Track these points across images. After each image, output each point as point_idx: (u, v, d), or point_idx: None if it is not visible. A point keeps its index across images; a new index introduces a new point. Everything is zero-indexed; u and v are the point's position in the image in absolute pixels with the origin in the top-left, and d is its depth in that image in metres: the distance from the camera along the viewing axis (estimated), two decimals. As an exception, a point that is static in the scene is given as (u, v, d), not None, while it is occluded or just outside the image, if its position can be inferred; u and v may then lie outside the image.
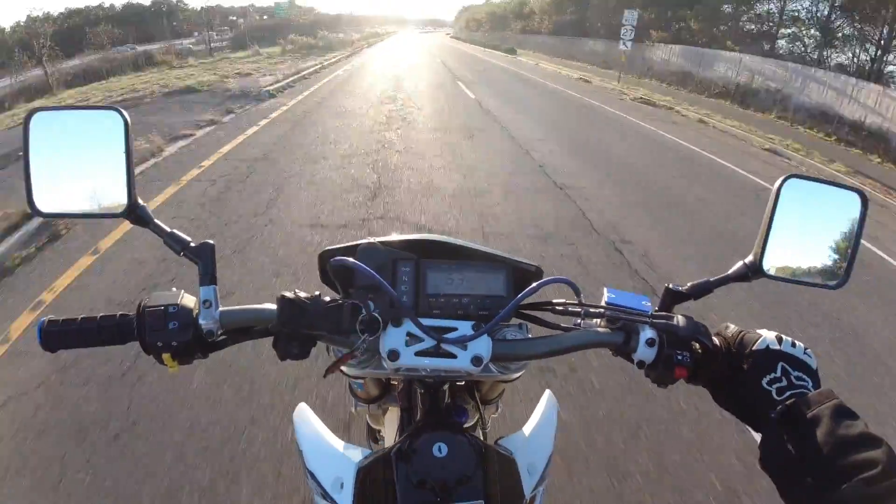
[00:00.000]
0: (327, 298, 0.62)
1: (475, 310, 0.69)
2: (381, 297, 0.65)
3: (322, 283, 0.78)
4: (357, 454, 0.76)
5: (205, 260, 0.65)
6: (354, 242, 0.72)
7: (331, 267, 0.67)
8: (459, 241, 0.75)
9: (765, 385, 0.59)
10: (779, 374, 0.60)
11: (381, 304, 0.65)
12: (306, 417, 0.85)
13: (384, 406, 0.99)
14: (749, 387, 0.61)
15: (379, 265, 0.68)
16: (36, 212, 0.68)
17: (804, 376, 0.60)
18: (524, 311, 0.74)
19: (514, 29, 45.54)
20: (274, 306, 0.64)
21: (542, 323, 0.73)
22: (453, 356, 0.65)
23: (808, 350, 0.63)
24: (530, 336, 0.72)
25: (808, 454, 0.52)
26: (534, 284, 0.67)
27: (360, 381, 0.89)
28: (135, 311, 0.63)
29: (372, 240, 0.71)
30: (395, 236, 0.74)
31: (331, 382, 2.39)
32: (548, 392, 0.92)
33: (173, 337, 0.61)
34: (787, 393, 0.58)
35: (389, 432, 0.99)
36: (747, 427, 0.62)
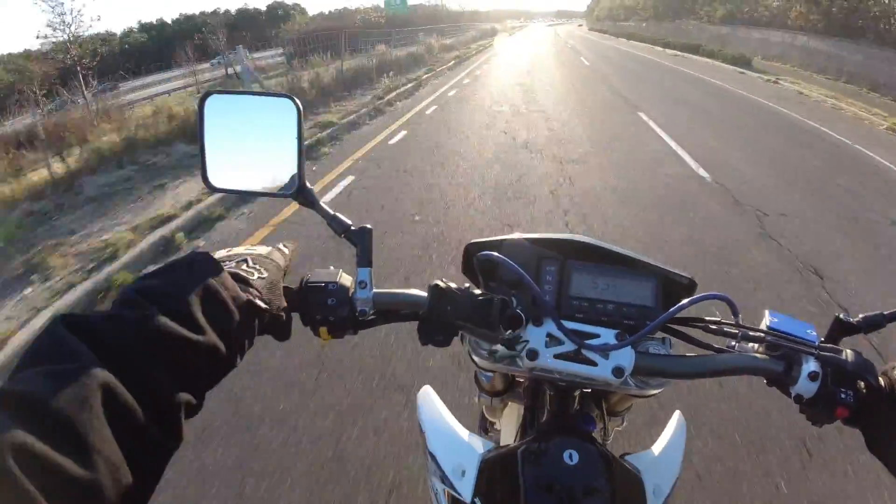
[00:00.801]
0: (477, 291, 0.63)
1: (619, 318, 0.67)
2: (525, 294, 0.65)
3: (462, 273, 0.79)
4: (480, 445, 0.76)
5: (363, 243, 0.68)
6: (501, 237, 0.72)
7: (477, 260, 0.67)
8: (608, 245, 0.72)
9: None
10: None
11: (523, 301, 0.64)
12: (430, 400, 0.87)
13: (505, 400, 0.99)
14: None
15: (524, 262, 0.68)
16: (210, 187, 0.74)
17: None
18: (672, 326, 0.70)
19: (704, 16, 28.56)
20: (423, 293, 0.66)
21: (692, 340, 0.70)
22: (594, 364, 0.63)
23: None
24: (671, 351, 0.69)
25: None
26: (688, 299, 0.64)
27: (490, 373, 0.90)
28: (297, 285, 0.67)
29: (519, 235, 0.71)
30: (541, 234, 0.73)
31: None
32: (677, 413, 0.88)
33: (331, 312, 0.65)
34: None
35: (507, 427, 0.99)
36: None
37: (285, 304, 0.63)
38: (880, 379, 0.60)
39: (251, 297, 0.55)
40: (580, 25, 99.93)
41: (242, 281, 0.58)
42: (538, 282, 0.68)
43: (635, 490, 0.68)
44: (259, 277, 0.61)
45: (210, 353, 0.48)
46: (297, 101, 0.71)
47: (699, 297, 0.64)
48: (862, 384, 0.59)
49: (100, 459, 0.35)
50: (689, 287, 0.70)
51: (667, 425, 0.86)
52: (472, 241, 0.74)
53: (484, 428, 1.17)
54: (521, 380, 0.94)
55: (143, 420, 0.40)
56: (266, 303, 0.58)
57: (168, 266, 0.52)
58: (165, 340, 0.44)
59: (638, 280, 0.69)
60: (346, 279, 0.68)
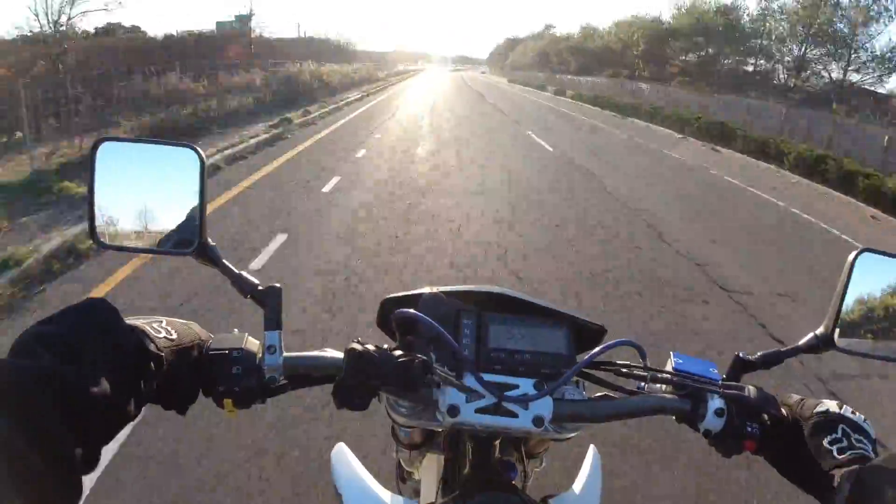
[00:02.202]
0: (397, 353, 0.61)
1: (536, 367, 0.68)
2: (443, 349, 0.64)
3: (378, 327, 0.77)
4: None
5: (271, 304, 0.64)
6: (416, 291, 0.71)
7: (394, 318, 0.66)
8: (523, 296, 0.74)
9: (826, 444, 0.59)
10: (839, 435, 0.59)
11: (442, 356, 0.63)
12: (345, 459, 0.83)
13: (423, 452, 0.97)
14: (810, 449, 0.60)
15: (441, 316, 0.67)
16: (98, 243, 0.68)
17: (864, 440, 0.59)
18: (586, 371, 0.72)
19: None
20: (337, 354, 0.63)
21: (604, 384, 0.72)
22: (514, 415, 0.63)
23: (867, 421, 0.62)
24: (585, 394, 0.71)
25: None
26: (600, 347, 0.66)
27: (408, 429, 0.88)
28: (196, 352, 0.61)
29: (435, 289, 0.70)
30: (457, 287, 0.73)
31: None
32: (592, 448, 0.90)
33: (236, 382, 0.60)
34: (849, 452, 0.57)
35: (427, 479, 0.97)
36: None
37: (186, 371, 0.58)
38: (782, 409, 0.65)
39: (148, 351, 0.52)
40: (483, 73, 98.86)
41: (145, 335, 0.54)
42: (458, 335, 0.68)
43: None
44: (166, 337, 0.57)
45: (105, 404, 0.46)
46: (200, 151, 0.67)
47: (610, 345, 0.67)
48: (765, 416, 0.64)
49: None
50: (599, 333, 0.73)
51: (583, 462, 0.88)
52: (388, 296, 0.73)
53: (401, 478, 1.13)
54: (440, 430, 0.93)
55: (42, 474, 0.39)
56: (161, 362, 0.54)
57: (64, 312, 0.50)
58: (60, 392, 0.43)
59: (552, 329, 0.70)
60: (253, 343, 0.63)
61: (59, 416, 0.42)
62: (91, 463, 0.45)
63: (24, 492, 0.37)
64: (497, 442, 0.81)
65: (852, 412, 0.61)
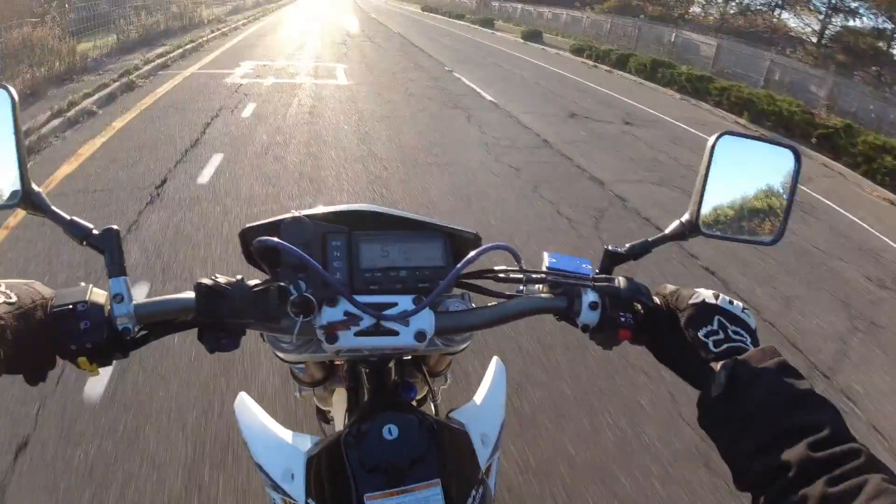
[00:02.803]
0: (251, 282, 0.58)
1: (414, 283, 0.67)
2: (313, 275, 0.61)
3: (247, 263, 0.73)
4: (306, 442, 0.73)
5: (110, 248, 0.59)
6: (277, 217, 0.67)
7: (254, 248, 0.62)
8: (392, 210, 0.71)
9: (702, 337, 0.60)
10: (715, 326, 0.60)
11: (313, 282, 0.61)
12: (248, 407, 0.81)
13: (331, 387, 0.96)
14: (687, 339, 0.61)
15: (307, 241, 0.64)
16: None
17: (742, 332, 0.60)
18: (465, 281, 0.72)
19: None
20: (191, 295, 0.59)
21: (484, 291, 0.72)
22: (395, 333, 0.63)
23: (747, 309, 0.63)
24: (473, 306, 0.71)
25: (750, 412, 0.51)
26: (473, 252, 0.65)
27: (301, 365, 0.86)
28: (41, 313, 0.56)
29: (296, 213, 0.66)
30: (321, 208, 0.69)
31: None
32: (495, 359, 0.92)
33: (87, 338, 0.56)
34: (725, 346, 0.58)
35: (338, 414, 0.97)
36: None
37: (35, 335, 0.54)
38: (656, 299, 0.67)
39: None
40: None
41: None
42: (326, 259, 0.65)
43: (462, 445, 0.70)
44: (5, 302, 0.52)
45: None
46: (12, 89, 0.59)
47: (483, 250, 0.66)
48: (639, 306, 0.65)
49: None
50: (474, 241, 0.72)
51: (486, 373, 0.89)
52: (246, 225, 0.69)
53: (324, 419, 1.13)
54: (339, 363, 0.92)
55: None
56: (3, 330, 0.50)
57: None
58: None
59: (426, 242, 0.69)
60: (100, 295, 0.59)
61: None
62: None
63: None
64: (392, 365, 0.81)
65: (730, 302, 0.63)
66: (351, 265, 0.66)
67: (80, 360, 0.56)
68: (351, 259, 0.67)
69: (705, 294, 0.63)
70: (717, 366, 0.56)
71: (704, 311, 0.62)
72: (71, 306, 0.56)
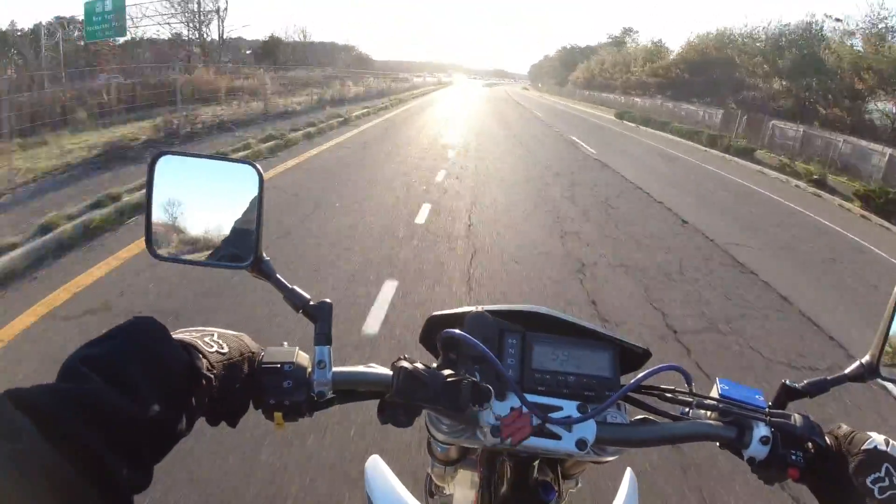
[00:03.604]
0: (445, 373, 0.62)
1: (580, 389, 0.68)
2: (488, 368, 0.65)
3: (420, 343, 0.78)
4: None
5: (322, 319, 0.66)
6: (462, 310, 0.72)
7: (440, 338, 0.67)
8: (567, 316, 0.74)
9: (868, 483, 0.59)
10: (883, 474, 0.59)
11: (487, 376, 0.64)
12: (380, 470, 0.84)
13: (458, 468, 0.97)
14: (854, 485, 0.60)
15: (486, 336, 0.68)
16: (154, 254, 0.69)
17: None
18: (630, 395, 0.72)
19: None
20: (385, 371, 0.64)
21: (648, 408, 0.72)
22: (558, 437, 0.64)
23: None
24: (628, 418, 0.71)
25: None
26: (646, 371, 0.66)
27: (446, 445, 0.88)
28: (248, 366, 0.63)
29: (480, 308, 0.71)
30: (502, 306, 0.74)
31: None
32: (629, 471, 0.90)
33: (286, 395, 0.61)
34: (889, 493, 0.58)
35: (459, 496, 0.98)
36: None
37: (238, 385, 0.59)
38: (826, 438, 0.65)
39: (198, 367, 0.53)
40: (526, 88, 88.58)
41: (196, 351, 0.55)
42: (501, 355, 0.69)
43: None
44: (218, 352, 0.58)
45: (154, 424, 0.46)
46: (260, 168, 0.69)
47: (656, 370, 0.67)
48: (810, 445, 0.64)
49: None
50: (644, 356, 0.73)
51: (620, 485, 0.87)
52: (433, 314, 0.74)
53: (430, 492, 1.14)
54: (475, 447, 0.93)
55: (92, 500, 0.39)
56: (214, 378, 0.55)
57: (110, 333, 0.50)
58: (108, 414, 0.43)
59: (596, 351, 0.71)
60: (304, 358, 0.65)
61: (107, 439, 0.42)
62: (143, 483, 0.45)
63: None
64: (536, 462, 0.81)
65: None
66: (522, 364, 0.69)
67: (276, 414, 0.61)
68: (523, 358, 0.69)
69: (878, 440, 0.62)
70: None
71: (875, 458, 0.60)
72: (279, 365, 0.62)
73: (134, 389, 0.45)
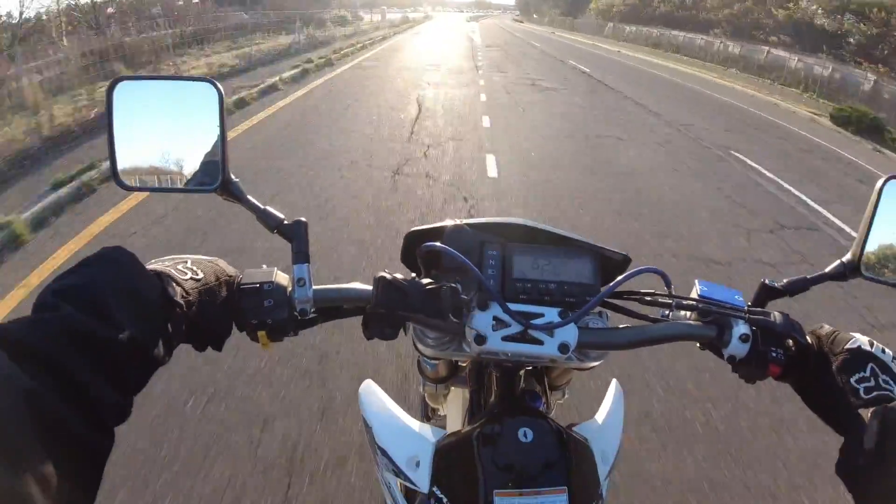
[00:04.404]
0: (425, 281, 0.62)
1: (561, 296, 0.68)
2: (469, 280, 0.64)
3: (401, 262, 0.78)
4: (431, 434, 0.76)
5: (298, 237, 0.65)
6: (440, 224, 0.71)
7: (420, 251, 0.66)
8: (546, 226, 0.73)
9: (853, 383, 0.59)
10: (868, 374, 0.59)
11: (468, 287, 0.64)
12: (373, 393, 0.85)
13: (448, 386, 0.99)
14: (837, 384, 0.60)
15: (466, 248, 0.67)
16: (121, 185, 0.67)
17: (891, 381, 0.59)
18: (610, 301, 0.73)
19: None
20: (366, 286, 0.64)
21: (628, 312, 0.72)
22: (540, 342, 0.64)
23: None
24: (608, 323, 0.71)
25: (893, 460, 0.50)
26: (625, 274, 0.66)
27: (434, 361, 0.89)
28: (225, 289, 0.62)
29: (459, 222, 0.70)
30: (480, 219, 0.73)
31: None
32: (614, 381, 0.92)
33: (268, 314, 0.61)
34: (875, 393, 0.57)
35: (453, 412, 1.00)
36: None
37: (218, 308, 0.59)
38: (808, 337, 0.65)
39: (171, 295, 0.53)
40: (519, 20, 74.37)
41: (170, 279, 0.55)
42: (482, 266, 0.68)
43: (587, 458, 0.71)
44: (192, 278, 0.57)
45: (132, 351, 0.46)
46: (218, 84, 0.66)
47: (634, 272, 0.67)
48: (790, 343, 0.65)
49: (31, 473, 0.34)
50: (623, 262, 0.73)
51: (606, 394, 0.90)
52: (412, 229, 0.73)
53: (426, 415, 1.17)
54: (464, 364, 0.95)
55: (74, 426, 0.39)
56: (190, 304, 0.55)
57: (82, 263, 0.50)
58: (86, 340, 0.43)
59: (576, 259, 0.70)
60: (283, 277, 0.64)
61: (88, 367, 0.42)
62: (124, 411, 0.46)
63: (58, 445, 0.37)
64: (521, 373, 0.82)
65: (883, 350, 0.61)
66: (503, 274, 0.69)
67: (260, 333, 0.62)
68: (504, 269, 0.69)
69: (861, 340, 0.62)
70: (867, 413, 0.55)
71: (859, 357, 0.60)
72: (258, 285, 0.62)
73: (107, 315, 0.45)
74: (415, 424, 0.78)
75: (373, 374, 2.04)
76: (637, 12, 34.75)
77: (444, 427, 1.01)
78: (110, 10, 13.81)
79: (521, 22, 69.91)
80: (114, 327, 0.45)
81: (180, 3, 16.65)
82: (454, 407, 1.00)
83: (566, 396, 0.97)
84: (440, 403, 1.07)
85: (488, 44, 25.46)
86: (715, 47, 23.81)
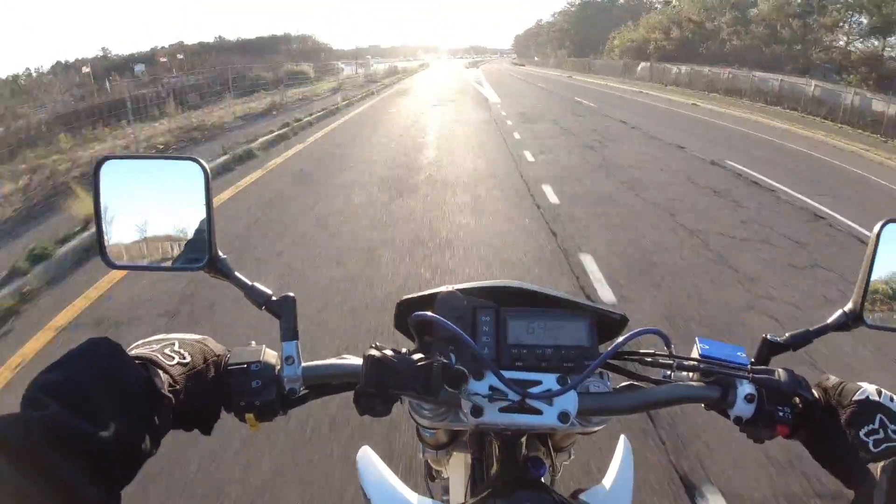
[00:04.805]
0: (415, 357, 0.60)
1: (559, 361, 0.66)
2: (463, 348, 0.63)
3: (395, 329, 0.76)
4: None
5: (287, 314, 0.64)
6: (432, 291, 0.70)
7: (411, 321, 0.65)
8: (540, 288, 0.72)
9: (862, 436, 0.57)
10: (877, 425, 0.57)
11: (462, 356, 0.62)
12: (371, 461, 0.83)
13: (450, 451, 0.96)
14: (846, 438, 0.58)
15: (458, 315, 0.66)
16: (108, 263, 0.67)
17: None
18: (610, 362, 0.71)
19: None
20: (356, 361, 0.63)
21: (630, 375, 0.70)
22: (539, 412, 0.62)
23: None
24: (611, 386, 0.69)
25: None
26: (624, 336, 0.64)
27: (433, 430, 0.87)
28: (213, 370, 0.61)
29: (450, 288, 0.69)
30: (473, 283, 0.72)
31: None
32: (623, 439, 0.89)
33: (256, 396, 0.60)
34: (884, 445, 0.55)
35: (455, 478, 0.97)
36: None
37: (206, 392, 0.58)
38: (814, 391, 0.63)
39: (158, 386, 0.52)
40: (520, 63, 71.48)
41: (157, 367, 0.54)
42: (475, 333, 0.67)
43: None
44: (179, 363, 0.56)
45: (118, 447, 0.45)
46: (203, 162, 0.66)
47: (633, 334, 0.65)
48: (797, 400, 0.62)
49: None
50: (621, 323, 0.71)
51: (614, 454, 0.86)
52: (404, 297, 0.72)
53: (430, 476, 1.13)
54: (466, 429, 0.92)
55: None
56: (178, 392, 0.54)
57: (67, 357, 0.49)
58: (71, 439, 0.42)
59: (572, 321, 0.69)
60: (271, 356, 0.63)
61: (73, 465, 0.41)
62: None
63: None
64: (523, 439, 0.80)
65: (892, 398, 0.59)
66: (498, 340, 0.67)
67: (248, 416, 0.60)
68: (498, 335, 0.67)
69: (869, 390, 0.60)
70: (877, 468, 0.53)
71: (867, 409, 0.58)
72: (245, 365, 0.60)
73: (93, 412, 0.45)
74: (413, 497, 0.75)
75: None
76: (690, 49, 28.30)
77: (447, 494, 0.98)
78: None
79: (523, 65, 65.31)
80: (100, 424, 0.44)
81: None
82: (456, 473, 0.97)
83: (572, 457, 0.94)
84: (443, 466, 1.04)
85: (513, 104, 18.33)
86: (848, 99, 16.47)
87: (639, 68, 31.74)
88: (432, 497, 0.78)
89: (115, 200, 0.66)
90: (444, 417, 0.70)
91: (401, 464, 2.06)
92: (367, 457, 0.84)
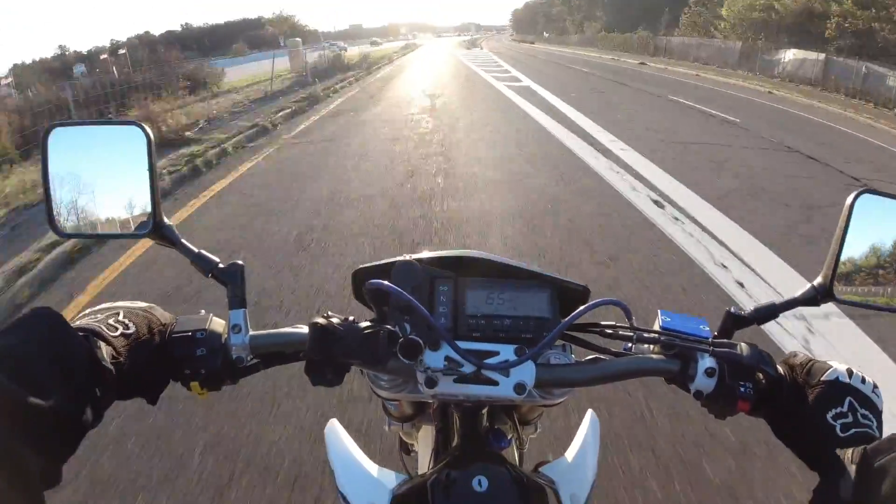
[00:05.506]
0: (362, 325, 0.58)
1: (517, 332, 0.65)
2: (418, 318, 0.61)
3: (355, 300, 0.75)
4: (391, 478, 0.73)
5: (234, 281, 0.63)
6: (389, 260, 0.68)
7: (365, 290, 0.63)
8: (500, 258, 0.70)
9: (829, 419, 0.55)
10: (845, 408, 0.55)
11: (418, 326, 0.61)
12: (338, 435, 0.82)
13: (418, 424, 0.95)
14: (813, 420, 0.56)
15: (416, 284, 0.64)
16: (57, 232, 0.66)
17: (870, 415, 0.55)
18: (569, 334, 0.69)
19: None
20: (304, 329, 0.61)
21: (589, 346, 0.69)
22: (495, 383, 0.61)
23: (877, 389, 0.58)
24: (575, 359, 0.68)
25: None
26: (583, 307, 0.63)
27: (395, 402, 0.86)
28: (158, 339, 0.59)
29: (408, 257, 0.67)
30: (431, 252, 0.70)
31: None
32: (590, 412, 0.88)
33: (201, 364, 0.59)
34: (852, 430, 0.53)
35: (423, 452, 0.96)
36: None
37: (150, 361, 0.57)
38: (780, 368, 0.61)
39: (99, 358, 0.51)
40: (520, 40, 65.18)
41: (99, 337, 0.53)
42: (433, 303, 0.65)
43: None
44: (122, 333, 0.55)
45: (59, 418, 0.45)
46: (146, 127, 0.64)
47: (592, 305, 0.63)
48: (760, 375, 0.60)
49: None
50: (583, 294, 0.69)
51: (580, 427, 0.86)
52: (360, 266, 0.70)
53: (406, 450, 1.13)
54: (431, 401, 0.91)
55: (2, 491, 0.39)
56: (121, 363, 0.53)
57: (10, 326, 0.48)
58: (12, 407, 0.42)
59: (533, 292, 0.67)
60: (218, 324, 0.62)
61: (15, 434, 0.41)
62: (53, 478, 0.45)
63: None
64: (485, 411, 0.79)
65: (863, 380, 0.57)
66: (456, 311, 0.66)
67: (193, 384, 0.59)
68: (456, 305, 0.66)
69: (840, 370, 0.57)
70: (844, 454, 0.51)
71: (836, 391, 0.56)
72: (190, 333, 0.59)
73: (33, 383, 0.44)
74: (374, 469, 0.75)
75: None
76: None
77: (415, 467, 0.97)
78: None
79: (533, 43, 54.82)
80: (40, 394, 0.44)
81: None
82: (424, 445, 0.96)
83: (539, 431, 0.93)
84: (414, 440, 1.04)
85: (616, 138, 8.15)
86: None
87: (787, 59, 17.77)
88: (403, 471, 0.77)
89: (63, 167, 0.65)
90: (402, 388, 0.69)
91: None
92: (334, 429, 0.84)
